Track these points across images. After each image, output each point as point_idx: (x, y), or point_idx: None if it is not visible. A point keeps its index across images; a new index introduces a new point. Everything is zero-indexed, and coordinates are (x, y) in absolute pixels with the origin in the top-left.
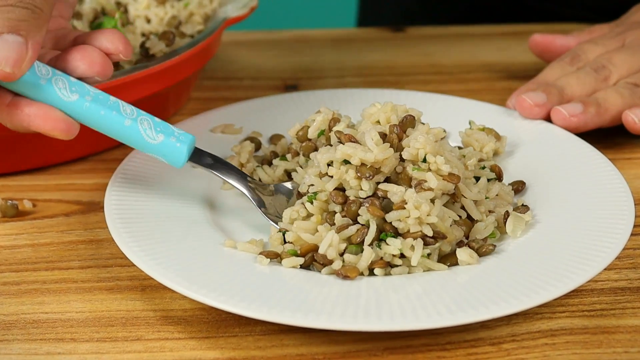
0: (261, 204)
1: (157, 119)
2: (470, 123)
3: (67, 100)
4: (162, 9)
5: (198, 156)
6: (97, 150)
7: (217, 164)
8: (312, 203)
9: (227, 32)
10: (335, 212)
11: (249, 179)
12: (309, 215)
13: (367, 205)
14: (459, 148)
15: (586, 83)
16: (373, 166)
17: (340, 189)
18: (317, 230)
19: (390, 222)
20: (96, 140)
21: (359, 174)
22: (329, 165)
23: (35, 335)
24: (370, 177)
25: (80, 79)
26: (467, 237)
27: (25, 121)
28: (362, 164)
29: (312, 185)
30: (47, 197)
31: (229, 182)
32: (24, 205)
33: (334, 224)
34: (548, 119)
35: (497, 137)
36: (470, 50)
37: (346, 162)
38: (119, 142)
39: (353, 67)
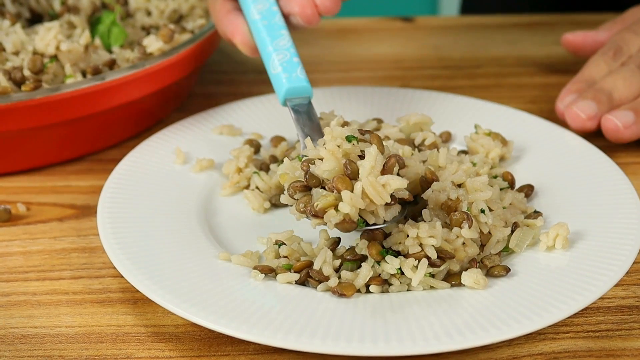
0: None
1: (295, 59)
2: (475, 127)
3: (251, 17)
4: (163, 2)
5: (301, 103)
6: (94, 150)
7: (304, 115)
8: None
9: None
10: (298, 181)
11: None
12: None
13: (368, 240)
14: (464, 153)
15: (633, 83)
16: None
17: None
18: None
19: (390, 247)
20: (93, 140)
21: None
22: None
23: (23, 352)
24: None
25: (288, 15)
26: (482, 246)
27: (224, 32)
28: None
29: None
30: (41, 200)
31: (299, 137)
32: (17, 209)
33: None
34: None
35: (504, 142)
36: (480, 42)
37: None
38: (115, 142)
39: (360, 60)
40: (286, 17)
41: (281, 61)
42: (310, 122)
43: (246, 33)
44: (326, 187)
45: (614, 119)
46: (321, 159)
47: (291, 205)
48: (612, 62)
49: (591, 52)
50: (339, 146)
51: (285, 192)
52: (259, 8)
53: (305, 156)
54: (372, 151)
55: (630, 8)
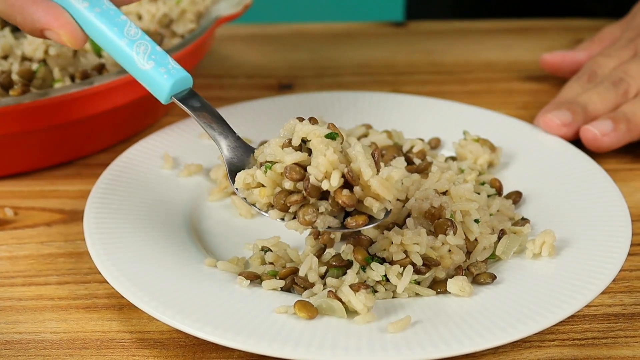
0: (234, 174)
1: (158, 48)
2: (464, 133)
3: (77, 6)
4: (154, 6)
5: (188, 96)
6: (82, 155)
7: (203, 111)
8: (265, 172)
9: (223, 26)
10: (290, 193)
11: (233, 138)
12: (260, 186)
13: (354, 245)
14: (453, 159)
15: (608, 98)
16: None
17: (302, 166)
18: (265, 206)
19: (375, 254)
20: (81, 145)
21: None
22: (304, 142)
23: (7, 358)
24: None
25: None
26: (469, 253)
27: (39, 19)
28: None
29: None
30: (29, 204)
31: (206, 133)
32: (5, 214)
33: (286, 207)
34: (575, 138)
35: (492, 148)
36: (472, 47)
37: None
38: (104, 146)
39: (351, 65)
40: None
41: (146, 54)
42: (211, 115)
43: (71, 20)
44: (339, 201)
45: (591, 128)
46: (303, 164)
47: (282, 220)
48: (587, 85)
49: (569, 71)
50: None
51: (266, 207)
52: None
53: (271, 162)
54: (359, 149)
55: (605, 26)
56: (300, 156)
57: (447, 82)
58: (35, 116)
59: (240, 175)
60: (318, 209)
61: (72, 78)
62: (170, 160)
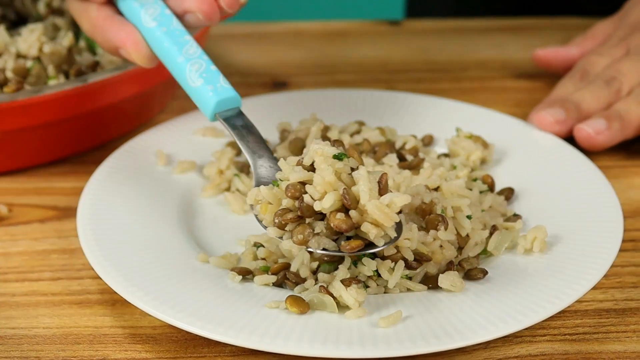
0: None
1: (212, 67)
2: (457, 130)
3: (146, 26)
4: None
5: (233, 115)
6: (77, 152)
7: (244, 130)
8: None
9: (217, 25)
10: (288, 211)
11: (269, 158)
12: (267, 203)
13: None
14: (446, 156)
15: (600, 97)
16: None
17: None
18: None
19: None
20: (76, 142)
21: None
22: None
23: (1, 353)
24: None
25: (184, 14)
26: (460, 248)
27: (113, 38)
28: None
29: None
30: (23, 201)
31: (242, 150)
32: None
33: (282, 225)
34: (568, 135)
35: (485, 145)
36: (466, 46)
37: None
38: (99, 143)
39: (345, 63)
40: (180, 17)
41: (199, 72)
42: (251, 135)
43: (141, 40)
44: (332, 224)
45: (585, 127)
46: (308, 183)
47: (280, 237)
48: (579, 83)
49: (562, 67)
50: (330, 165)
51: (272, 224)
52: (151, 13)
53: (282, 180)
54: (362, 173)
55: (598, 22)
56: (305, 175)
57: (441, 80)
58: (30, 113)
59: (252, 191)
60: (314, 230)
61: (67, 75)
62: (164, 157)
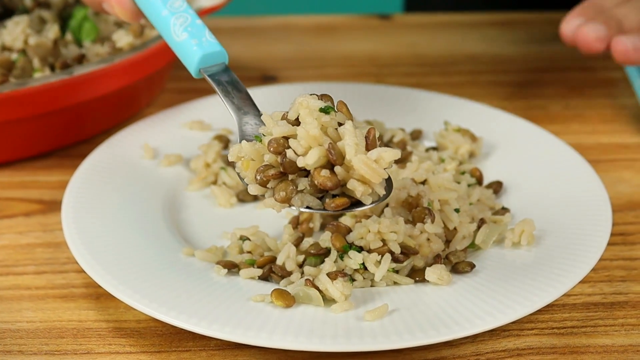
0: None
1: (198, 21)
2: (445, 124)
3: None
4: None
5: (219, 71)
6: (63, 145)
7: (229, 86)
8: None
9: (206, 18)
10: (270, 167)
11: (254, 116)
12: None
13: (332, 232)
14: (434, 149)
15: None
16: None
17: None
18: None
19: (353, 242)
20: (62, 135)
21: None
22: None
23: None
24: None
25: None
26: (448, 242)
27: None
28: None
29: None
30: (8, 195)
31: (225, 106)
32: None
33: (264, 182)
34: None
35: (473, 138)
36: (456, 40)
37: (326, 111)
38: (86, 137)
39: (335, 57)
40: None
41: (184, 26)
42: (237, 91)
43: None
44: (316, 182)
45: (624, 40)
46: (292, 138)
47: (262, 195)
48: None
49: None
50: (315, 118)
51: (254, 182)
52: None
53: (264, 135)
54: (348, 127)
55: None
56: (289, 129)
57: (431, 74)
58: (15, 106)
59: (234, 147)
60: (297, 187)
61: (52, 68)
62: (150, 150)
